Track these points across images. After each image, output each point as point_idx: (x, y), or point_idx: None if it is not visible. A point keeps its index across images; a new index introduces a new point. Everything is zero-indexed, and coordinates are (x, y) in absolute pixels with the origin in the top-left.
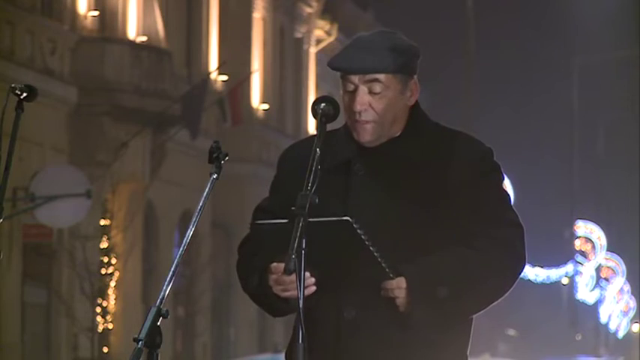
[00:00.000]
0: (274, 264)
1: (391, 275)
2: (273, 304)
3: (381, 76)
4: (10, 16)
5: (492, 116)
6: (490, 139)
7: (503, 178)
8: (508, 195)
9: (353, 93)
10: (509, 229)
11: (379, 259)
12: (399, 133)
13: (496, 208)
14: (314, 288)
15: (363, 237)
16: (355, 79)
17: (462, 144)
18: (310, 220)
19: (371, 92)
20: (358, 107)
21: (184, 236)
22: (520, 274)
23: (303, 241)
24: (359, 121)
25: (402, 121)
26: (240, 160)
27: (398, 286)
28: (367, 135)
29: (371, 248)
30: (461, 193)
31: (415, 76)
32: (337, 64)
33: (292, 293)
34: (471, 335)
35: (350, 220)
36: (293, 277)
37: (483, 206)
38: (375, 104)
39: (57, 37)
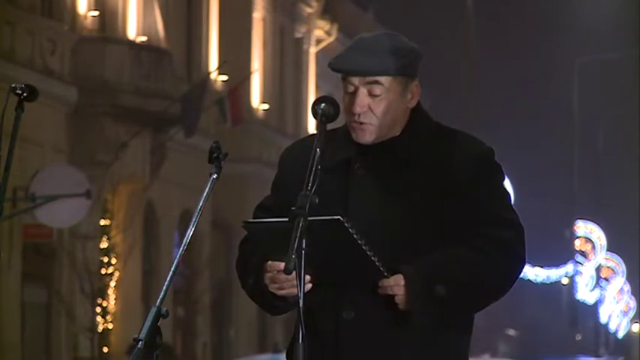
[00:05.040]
0: (269, 262)
1: (385, 274)
2: (270, 303)
3: (382, 79)
4: (10, 16)
5: (492, 116)
6: (490, 138)
7: (504, 178)
8: (509, 195)
9: (353, 95)
10: (509, 230)
11: (372, 258)
12: (399, 133)
13: (496, 209)
14: (310, 285)
15: (355, 236)
16: (355, 80)
17: (462, 143)
18: None
19: (371, 94)
20: (358, 109)
21: (184, 236)
22: (519, 274)
23: (303, 241)
24: (358, 122)
25: (402, 121)
26: (240, 160)
27: (396, 283)
28: (366, 136)
29: (364, 247)
30: (461, 193)
31: (416, 79)
32: (338, 65)
33: (288, 291)
34: (472, 336)
35: (341, 219)
36: (289, 275)
37: (484, 206)
38: (374, 107)
39: (57, 37)
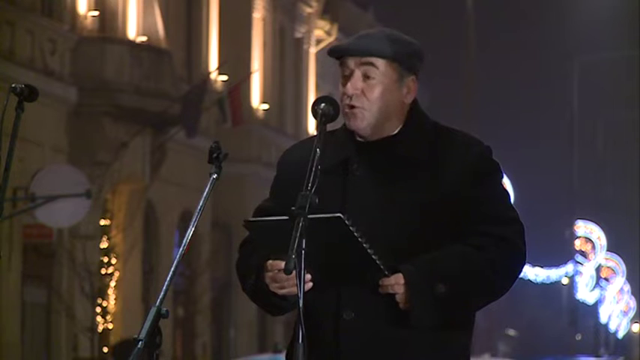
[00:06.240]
0: (270, 261)
1: (386, 272)
2: (270, 302)
3: (377, 61)
4: (10, 16)
5: (492, 116)
6: (490, 138)
7: (503, 176)
8: (507, 193)
9: (348, 77)
10: (509, 227)
11: (373, 256)
12: (396, 131)
13: (496, 206)
14: (310, 284)
15: (355, 234)
16: (351, 63)
17: (461, 142)
18: None
19: (365, 76)
20: (350, 90)
21: (184, 236)
22: (521, 271)
23: (303, 241)
24: (350, 105)
25: (398, 118)
26: (240, 160)
27: (396, 282)
28: (358, 121)
29: (364, 245)
30: (460, 192)
31: (414, 76)
32: (335, 48)
33: (289, 290)
34: (473, 336)
35: (342, 216)
36: (288, 275)
37: (483, 204)
38: (367, 91)
39: (57, 37)
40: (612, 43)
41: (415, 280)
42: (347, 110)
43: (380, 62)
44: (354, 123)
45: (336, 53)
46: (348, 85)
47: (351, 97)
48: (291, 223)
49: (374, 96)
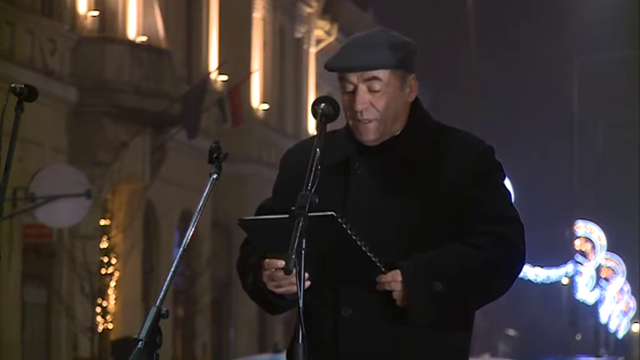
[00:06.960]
0: (267, 260)
1: (382, 269)
2: (268, 301)
3: (380, 74)
4: (10, 16)
5: (492, 116)
6: (490, 139)
7: (504, 177)
8: (509, 192)
9: (352, 93)
10: (509, 226)
11: (368, 254)
12: (399, 132)
13: (496, 205)
14: (308, 283)
15: (349, 232)
16: (354, 78)
17: (462, 142)
18: None
19: (370, 90)
20: (359, 107)
21: (184, 236)
22: (520, 270)
23: (303, 241)
24: (361, 120)
25: (402, 118)
26: (240, 160)
27: (394, 279)
28: (371, 134)
29: (358, 243)
30: (461, 191)
31: (414, 73)
32: (335, 64)
33: (286, 289)
34: (472, 336)
35: (334, 215)
36: (289, 275)
37: (483, 204)
38: (375, 102)
39: (57, 37)
40: (612, 43)
41: (413, 278)
42: (358, 124)
43: (383, 74)
44: (367, 135)
45: (336, 70)
46: (357, 102)
47: (361, 112)
48: (290, 223)
49: (383, 106)
